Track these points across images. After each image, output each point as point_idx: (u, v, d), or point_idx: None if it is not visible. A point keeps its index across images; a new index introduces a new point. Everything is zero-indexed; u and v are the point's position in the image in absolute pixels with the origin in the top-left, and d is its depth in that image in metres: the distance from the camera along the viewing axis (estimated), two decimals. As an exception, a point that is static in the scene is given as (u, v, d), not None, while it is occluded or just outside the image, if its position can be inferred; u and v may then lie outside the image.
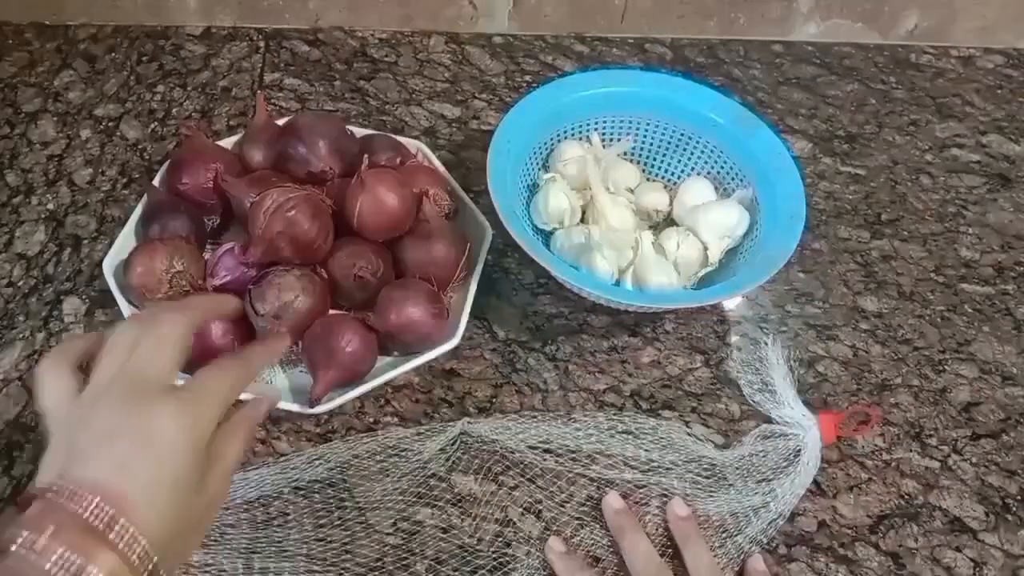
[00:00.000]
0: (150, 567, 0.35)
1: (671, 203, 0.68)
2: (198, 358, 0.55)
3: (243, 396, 0.45)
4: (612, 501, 0.54)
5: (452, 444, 0.56)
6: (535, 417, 0.58)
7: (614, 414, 0.59)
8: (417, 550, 0.52)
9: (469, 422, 0.57)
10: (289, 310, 0.55)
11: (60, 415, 0.39)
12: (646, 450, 0.57)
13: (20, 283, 0.63)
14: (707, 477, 0.56)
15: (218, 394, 0.40)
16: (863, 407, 0.60)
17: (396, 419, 0.58)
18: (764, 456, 0.56)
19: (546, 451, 0.56)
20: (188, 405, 0.38)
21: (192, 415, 0.38)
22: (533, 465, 0.56)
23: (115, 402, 0.38)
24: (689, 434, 0.58)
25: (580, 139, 0.70)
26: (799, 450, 0.56)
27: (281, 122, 0.67)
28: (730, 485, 0.55)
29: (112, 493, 0.34)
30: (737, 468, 0.56)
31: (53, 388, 0.40)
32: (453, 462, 0.55)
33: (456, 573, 0.51)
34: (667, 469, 0.56)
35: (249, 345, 0.49)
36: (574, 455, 0.56)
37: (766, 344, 0.62)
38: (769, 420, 0.59)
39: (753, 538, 0.53)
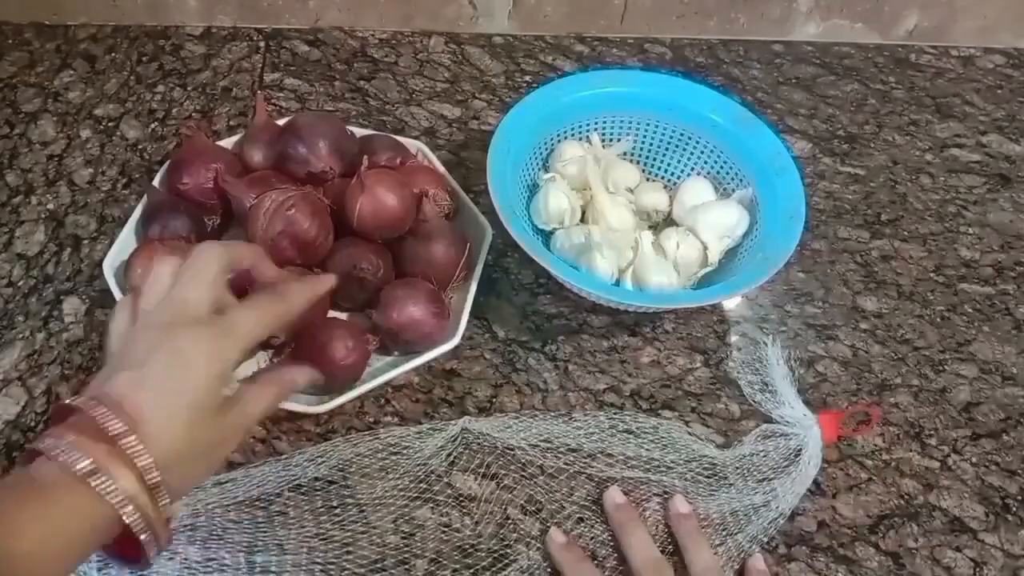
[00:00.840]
0: (156, 480, 0.37)
1: (671, 203, 0.68)
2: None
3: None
4: (614, 495, 0.54)
5: (453, 442, 0.56)
6: (535, 416, 0.58)
7: (614, 413, 0.59)
8: (418, 548, 0.52)
9: (470, 420, 0.57)
10: None
11: (115, 338, 0.43)
12: (646, 449, 0.57)
13: (20, 283, 0.63)
14: (708, 476, 0.56)
15: (247, 330, 0.43)
16: (863, 406, 0.60)
17: (396, 419, 0.58)
18: (765, 456, 0.57)
19: (546, 449, 0.57)
20: (216, 336, 0.41)
21: (218, 346, 0.41)
22: (533, 463, 0.56)
23: (154, 327, 0.41)
24: (690, 433, 0.58)
25: (580, 139, 0.70)
26: (800, 449, 0.56)
27: (281, 122, 0.67)
28: (730, 484, 0.55)
29: (130, 407, 0.37)
30: (737, 467, 0.56)
31: (118, 315, 0.44)
32: (453, 459, 0.56)
33: (457, 567, 0.51)
34: (668, 468, 0.56)
35: (288, 281, 0.49)
36: (574, 453, 0.57)
37: (766, 344, 0.62)
38: (769, 420, 0.59)
39: (754, 537, 0.53)
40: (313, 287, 0.49)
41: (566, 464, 0.56)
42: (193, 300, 0.42)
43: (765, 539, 0.53)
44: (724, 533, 0.53)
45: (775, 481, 0.55)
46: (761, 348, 0.63)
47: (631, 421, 0.58)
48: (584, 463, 0.56)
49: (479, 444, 0.56)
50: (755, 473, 0.56)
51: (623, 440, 0.57)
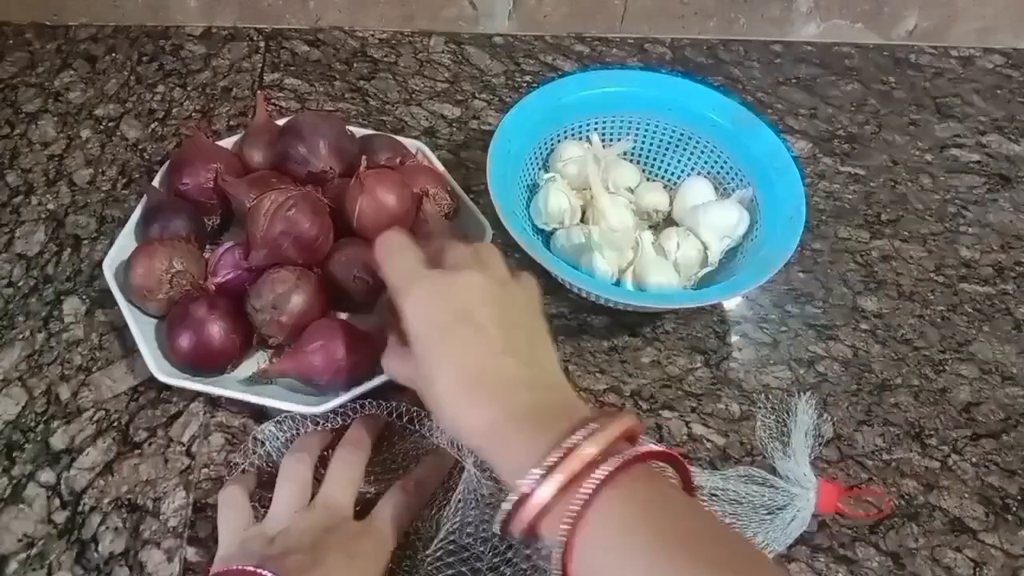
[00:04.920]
0: None
1: (671, 203, 0.68)
2: (198, 359, 0.55)
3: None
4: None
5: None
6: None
7: None
8: (418, 549, 0.52)
9: None
10: (284, 300, 0.55)
11: (227, 530, 0.48)
12: None
13: (20, 283, 0.63)
14: None
15: (390, 528, 0.50)
16: (876, 491, 0.56)
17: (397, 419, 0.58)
18: (743, 496, 0.53)
19: None
20: (375, 541, 0.48)
21: (380, 550, 0.48)
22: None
23: (314, 525, 0.47)
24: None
25: (580, 139, 0.70)
26: (785, 506, 0.52)
27: (281, 122, 0.67)
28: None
29: None
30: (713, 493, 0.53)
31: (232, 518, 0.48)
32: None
33: (459, 567, 0.51)
34: None
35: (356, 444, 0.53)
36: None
37: (799, 396, 0.59)
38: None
39: None
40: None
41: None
42: (345, 505, 0.49)
43: None
44: None
45: (750, 524, 0.52)
46: (794, 401, 0.59)
47: None
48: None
49: None
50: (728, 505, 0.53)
51: None
